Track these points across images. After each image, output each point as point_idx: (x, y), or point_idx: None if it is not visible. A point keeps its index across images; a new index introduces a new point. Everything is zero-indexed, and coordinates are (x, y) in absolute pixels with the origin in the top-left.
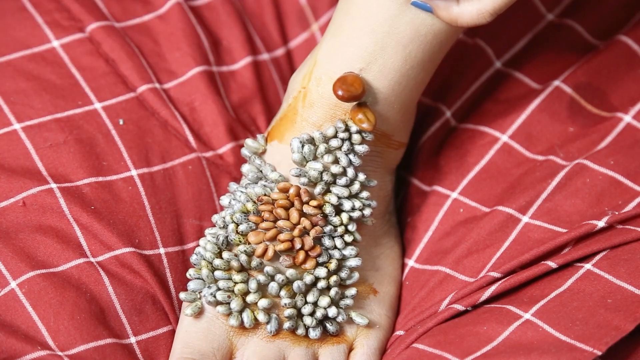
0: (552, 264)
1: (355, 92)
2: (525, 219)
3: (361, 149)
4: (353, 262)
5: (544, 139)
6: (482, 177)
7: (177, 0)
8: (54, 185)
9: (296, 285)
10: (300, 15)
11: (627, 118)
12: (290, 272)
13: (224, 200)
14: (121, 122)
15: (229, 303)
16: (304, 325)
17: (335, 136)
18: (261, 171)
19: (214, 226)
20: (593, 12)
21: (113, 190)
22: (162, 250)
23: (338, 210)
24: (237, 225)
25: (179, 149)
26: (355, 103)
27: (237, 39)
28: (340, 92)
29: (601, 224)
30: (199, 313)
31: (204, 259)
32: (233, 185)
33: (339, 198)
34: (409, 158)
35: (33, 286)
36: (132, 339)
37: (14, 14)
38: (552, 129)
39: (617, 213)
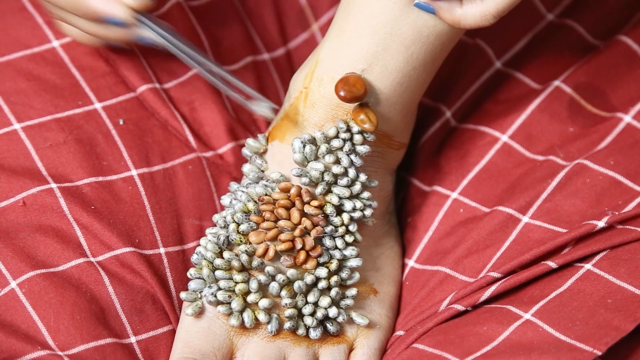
0: (552, 264)
1: (357, 92)
2: (525, 219)
3: (362, 149)
4: (354, 263)
5: (544, 139)
6: (482, 177)
7: (177, 0)
8: (54, 185)
9: (297, 285)
10: (300, 15)
11: (627, 118)
12: (291, 272)
13: (225, 200)
14: (121, 122)
15: (229, 303)
16: (305, 325)
17: (336, 136)
18: (262, 171)
19: (215, 226)
20: (593, 12)
21: (113, 190)
22: (162, 250)
23: (339, 210)
24: (238, 225)
25: (179, 149)
26: (357, 104)
27: (237, 39)
28: (342, 93)
29: (601, 224)
30: (199, 313)
31: (204, 259)
32: (234, 185)
33: (340, 198)
34: (409, 158)
35: (33, 286)
36: (132, 339)
37: (14, 14)
38: (552, 129)
39: (617, 213)
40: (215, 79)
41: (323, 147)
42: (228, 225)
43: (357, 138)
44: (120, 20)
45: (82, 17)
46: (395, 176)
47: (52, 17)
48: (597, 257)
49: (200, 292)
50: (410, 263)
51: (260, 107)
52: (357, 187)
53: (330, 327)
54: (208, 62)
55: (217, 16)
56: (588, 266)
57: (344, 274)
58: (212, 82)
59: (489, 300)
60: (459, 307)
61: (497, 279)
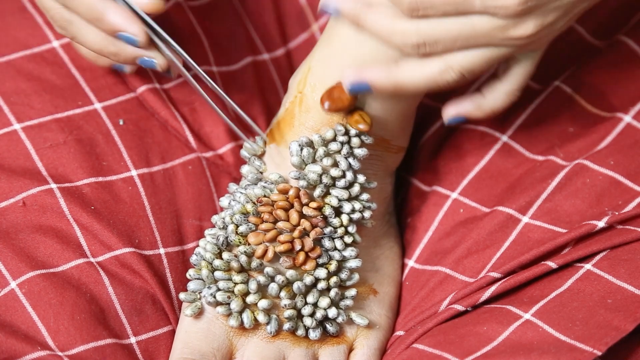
0: (552, 264)
1: (341, 105)
2: (525, 219)
3: (360, 152)
4: (353, 263)
5: (544, 139)
6: (482, 177)
7: (177, 0)
8: (54, 186)
9: (296, 286)
10: (300, 15)
11: (627, 118)
12: (290, 273)
13: (224, 201)
14: (121, 122)
15: (228, 304)
16: (304, 326)
17: (334, 139)
18: (261, 172)
19: (214, 227)
20: (593, 13)
21: (113, 190)
22: (162, 251)
23: (338, 211)
24: (237, 226)
25: (179, 149)
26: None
27: (237, 39)
28: (326, 105)
29: (601, 224)
30: (198, 313)
31: (203, 260)
32: (233, 186)
33: (339, 200)
34: (409, 158)
35: (33, 286)
36: (132, 339)
37: (14, 14)
38: (552, 129)
39: (617, 213)
40: (220, 111)
41: (321, 150)
42: (227, 226)
43: (355, 141)
44: (134, 39)
45: (98, 28)
46: (394, 177)
47: (63, 33)
48: (597, 257)
49: (199, 293)
50: (410, 263)
51: (255, 145)
52: (356, 188)
53: (330, 328)
54: (219, 91)
55: (217, 16)
56: (588, 266)
57: (343, 275)
58: (216, 111)
59: (489, 301)
60: (459, 307)
61: (497, 279)
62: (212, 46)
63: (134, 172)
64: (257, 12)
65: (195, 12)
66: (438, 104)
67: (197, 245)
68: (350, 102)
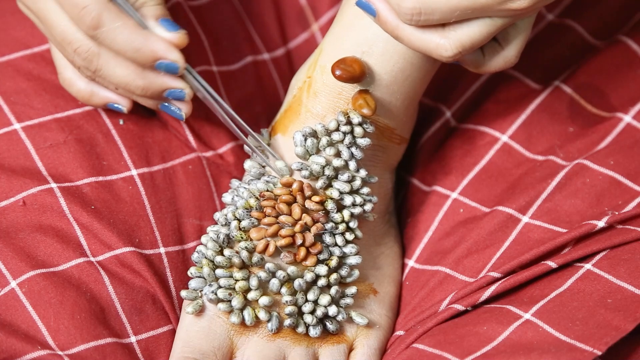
0: (552, 264)
1: (353, 72)
2: (525, 219)
3: (363, 142)
4: (353, 260)
5: (544, 139)
6: (482, 177)
7: (177, 0)
8: (54, 185)
9: (297, 283)
10: (300, 15)
11: (627, 118)
12: (291, 270)
13: (227, 197)
14: (121, 122)
15: (230, 301)
16: (304, 323)
17: (337, 129)
18: (264, 166)
19: (216, 224)
20: (593, 12)
21: (113, 189)
22: (162, 250)
23: (339, 206)
24: (240, 221)
25: (179, 149)
26: (357, 90)
27: (237, 39)
28: (337, 72)
29: (601, 224)
30: (200, 311)
31: (205, 258)
32: (235, 182)
33: (341, 193)
34: (409, 158)
35: (33, 286)
36: (132, 339)
37: (14, 14)
38: (552, 129)
39: (617, 213)
40: (254, 147)
41: (324, 140)
42: (229, 222)
43: (358, 131)
44: (175, 65)
45: (135, 60)
46: (395, 175)
47: (85, 66)
48: (597, 257)
49: (200, 291)
50: (410, 263)
51: (280, 168)
52: (357, 182)
53: (330, 326)
54: (243, 124)
55: (217, 16)
56: (588, 266)
57: (343, 272)
58: (246, 144)
59: (488, 300)
60: (459, 307)
61: (497, 279)
62: (212, 46)
63: (134, 172)
64: (257, 12)
65: (195, 12)
66: (438, 104)
67: (198, 244)
68: (361, 70)
